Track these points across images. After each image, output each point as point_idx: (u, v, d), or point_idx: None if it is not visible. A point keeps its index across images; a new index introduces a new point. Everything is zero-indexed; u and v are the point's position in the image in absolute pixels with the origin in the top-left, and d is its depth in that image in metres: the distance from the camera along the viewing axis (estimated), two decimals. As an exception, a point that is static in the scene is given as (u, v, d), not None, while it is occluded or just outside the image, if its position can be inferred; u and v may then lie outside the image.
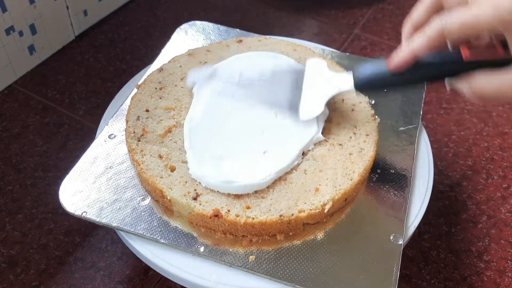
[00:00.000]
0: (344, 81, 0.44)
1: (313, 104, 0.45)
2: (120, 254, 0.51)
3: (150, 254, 0.40)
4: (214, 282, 0.39)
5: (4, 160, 0.59)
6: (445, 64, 0.39)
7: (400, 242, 0.40)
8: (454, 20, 0.35)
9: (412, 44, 0.38)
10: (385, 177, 0.45)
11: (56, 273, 0.49)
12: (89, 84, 0.69)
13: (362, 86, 0.43)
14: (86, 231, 0.53)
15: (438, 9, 0.40)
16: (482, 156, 0.61)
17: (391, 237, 0.41)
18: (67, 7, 0.72)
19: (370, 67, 0.42)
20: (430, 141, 0.50)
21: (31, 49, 0.69)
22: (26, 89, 0.68)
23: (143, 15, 0.82)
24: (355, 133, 0.47)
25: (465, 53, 0.37)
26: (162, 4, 0.84)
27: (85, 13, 0.76)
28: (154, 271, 0.41)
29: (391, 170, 0.46)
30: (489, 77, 0.36)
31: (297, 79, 0.47)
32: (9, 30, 0.65)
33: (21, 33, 0.66)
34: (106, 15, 0.80)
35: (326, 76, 0.46)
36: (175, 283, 0.41)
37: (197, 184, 0.42)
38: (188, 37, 0.59)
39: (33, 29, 0.68)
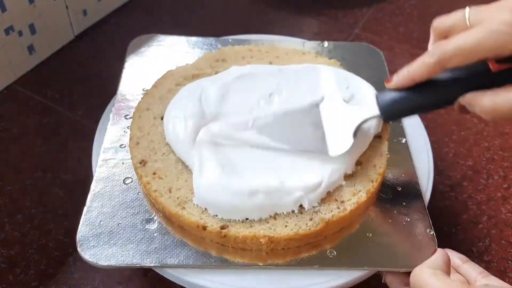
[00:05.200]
0: (367, 109, 0.42)
1: (341, 138, 0.43)
2: (119, 255, 0.51)
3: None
4: (215, 282, 0.39)
5: (4, 160, 0.59)
6: (474, 77, 0.37)
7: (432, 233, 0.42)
8: (450, 48, 0.35)
9: (411, 70, 0.38)
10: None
11: (55, 274, 0.49)
12: (89, 84, 0.69)
13: (387, 110, 0.41)
14: (85, 232, 0.52)
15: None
16: (483, 156, 0.61)
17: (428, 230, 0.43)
18: (67, 7, 0.72)
19: (394, 92, 0.40)
20: (431, 141, 0.50)
21: (31, 49, 0.69)
22: (25, 89, 0.68)
23: (143, 14, 0.82)
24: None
25: (493, 66, 0.35)
26: (161, 3, 0.84)
27: (85, 12, 0.76)
28: (154, 271, 0.41)
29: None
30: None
31: (314, 116, 0.45)
32: (8, 30, 0.64)
33: (20, 33, 0.66)
34: (106, 15, 0.80)
35: (346, 107, 0.45)
36: (175, 284, 0.41)
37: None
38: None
39: (32, 29, 0.68)
